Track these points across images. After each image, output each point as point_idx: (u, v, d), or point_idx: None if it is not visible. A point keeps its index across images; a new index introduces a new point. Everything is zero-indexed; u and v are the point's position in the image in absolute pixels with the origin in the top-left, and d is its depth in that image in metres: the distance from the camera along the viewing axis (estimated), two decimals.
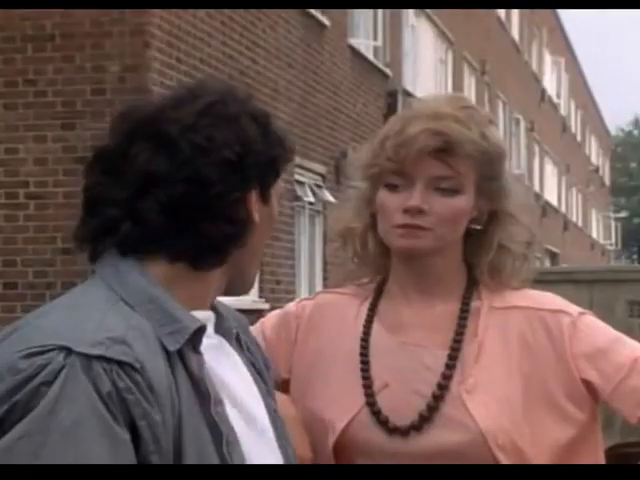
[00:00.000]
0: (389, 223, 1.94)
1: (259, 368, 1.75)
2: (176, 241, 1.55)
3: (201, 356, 1.55)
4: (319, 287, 13.47)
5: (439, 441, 1.89)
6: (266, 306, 11.23)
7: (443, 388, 1.91)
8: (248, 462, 1.56)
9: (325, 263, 13.56)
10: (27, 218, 9.27)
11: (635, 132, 64.95)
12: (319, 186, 13.06)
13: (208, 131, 1.55)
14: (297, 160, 11.56)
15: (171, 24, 9.52)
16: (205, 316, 1.61)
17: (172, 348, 1.51)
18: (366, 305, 2.03)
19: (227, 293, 1.67)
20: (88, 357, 1.43)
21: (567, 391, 1.92)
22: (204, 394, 1.53)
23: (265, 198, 1.63)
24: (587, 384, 1.92)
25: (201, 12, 10.07)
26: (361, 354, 1.97)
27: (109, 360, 1.44)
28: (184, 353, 1.53)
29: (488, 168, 1.96)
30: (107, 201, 1.56)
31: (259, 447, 1.62)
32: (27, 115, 9.33)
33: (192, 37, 9.93)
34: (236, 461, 1.53)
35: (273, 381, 1.80)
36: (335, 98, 14.03)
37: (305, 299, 2.13)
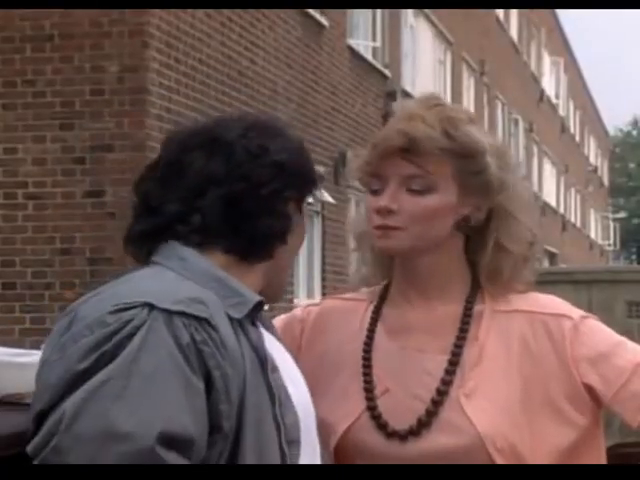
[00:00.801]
0: (370, 225, 1.97)
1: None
2: (233, 233, 1.72)
3: (258, 329, 1.73)
4: (317, 288, 13.48)
5: (437, 446, 1.89)
6: (265, 306, 11.23)
7: (442, 393, 1.91)
8: (300, 428, 1.71)
9: (324, 264, 13.56)
10: (26, 218, 9.27)
11: (634, 132, 64.97)
12: None
13: (259, 140, 1.74)
14: None
15: (170, 24, 9.52)
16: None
17: (237, 316, 1.68)
18: (371, 309, 2.04)
19: (262, 295, 1.82)
20: (170, 312, 1.59)
21: (569, 395, 1.91)
22: (262, 360, 1.69)
23: (300, 207, 1.83)
24: (588, 388, 1.91)
25: (200, 12, 10.06)
26: (363, 358, 1.99)
27: (188, 316, 1.59)
28: (244, 324, 1.70)
29: (464, 164, 1.95)
30: (167, 200, 1.73)
31: (306, 418, 1.76)
32: (26, 115, 9.33)
33: (191, 37, 9.93)
34: (288, 423, 1.68)
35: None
36: (334, 98, 14.04)
37: (311, 305, 2.16)
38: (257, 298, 1.73)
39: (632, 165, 61.72)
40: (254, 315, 1.73)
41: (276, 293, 1.87)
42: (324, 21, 13.65)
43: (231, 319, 1.67)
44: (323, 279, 13.58)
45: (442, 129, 1.95)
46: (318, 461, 1.80)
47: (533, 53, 31.79)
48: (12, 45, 9.38)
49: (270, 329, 1.85)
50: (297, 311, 2.15)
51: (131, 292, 1.63)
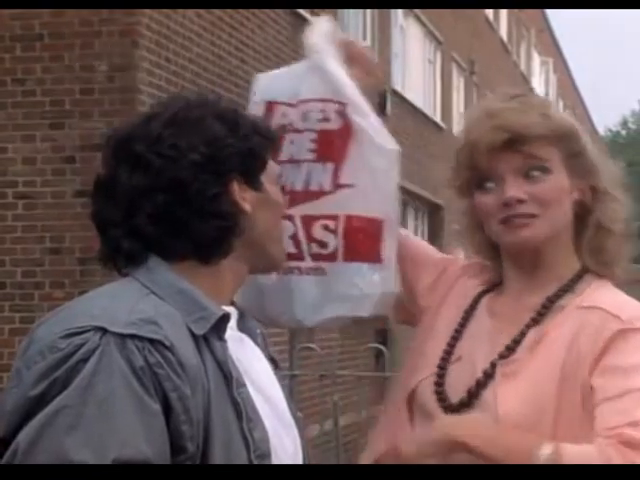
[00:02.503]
0: (494, 221, 1.97)
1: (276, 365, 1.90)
2: (174, 244, 1.70)
3: (225, 343, 1.69)
4: None
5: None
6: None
7: (488, 374, 1.94)
8: (269, 441, 1.69)
9: None
10: (15, 218, 9.25)
11: (623, 132, 65.11)
12: None
13: (172, 140, 1.69)
14: None
15: (160, 24, 9.51)
16: (228, 310, 1.74)
17: (199, 332, 1.65)
18: (481, 286, 2.09)
19: (259, 272, 1.87)
20: (122, 336, 1.57)
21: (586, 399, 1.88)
22: (227, 376, 1.66)
23: (255, 185, 1.76)
24: (591, 389, 1.88)
25: (190, 12, 10.06)
26: (458, 324, 2.05)
27: (141, 338, 1.58)
28: (209, 339, 1.66)
29: (567, 145, 1.97)
30: (110, 223, 1.72)
31: (279, 429, 1.75)
32: (15, 115, 9.31)
33: (181, 37, 9.92)
34: (257, 438, 1.66)
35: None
36: None
37: (463, 260, 2.22)
38: (221, 312, 1.69)
39: (622, 165, 61.75)
40: (220, 329, 1.69)
41: (274, 264, 1.86)
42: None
43: (194, 335, 1.64)
44: None
45: (538, 114, 1.95)
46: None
47: (523, 53, 31.83)
48: (2, 44, 9.35)
49: (254, 337, 1.83)
50: (459, 261, 2.20)
51: (84, 314, 1.61)
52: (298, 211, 2.12)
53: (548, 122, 1.95)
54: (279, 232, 1.84)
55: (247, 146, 1.74)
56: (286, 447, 1.75)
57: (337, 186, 2.11)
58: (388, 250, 2.11)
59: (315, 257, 2.13)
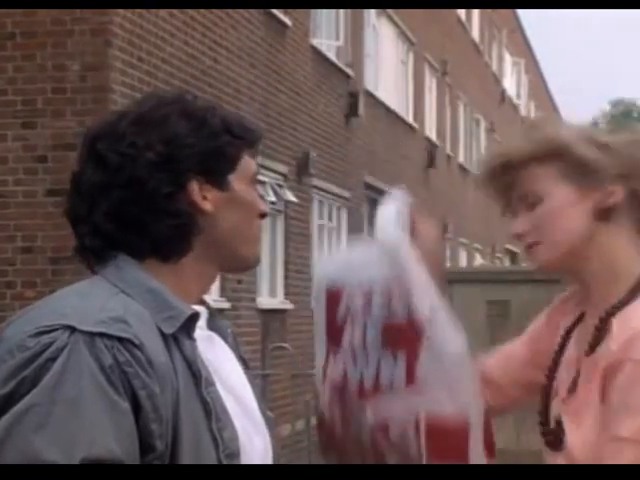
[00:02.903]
0: None
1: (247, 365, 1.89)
2: (131, 242, 1.71)
3: (194, 341, 1.69)
4: (280, 286, 13.49)
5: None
6: (227, 305, 11.24)
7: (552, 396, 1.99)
8: (239, 439, 1.69)
9: (286, 262, 13.57)
10: None
11: None
12: (280, 186, 13.07)
13: (132, 138, 1.71)
14: (259, 160, 11.54)
15: (133, 23, 9.50)
16: (198, 309, 1.74)
17: (168, 331, 1.65)
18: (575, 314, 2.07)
19: (229, 271, 1.86)
20: (91, 334, 1.57)
21: None
22: (196, 375, 1.66)
23: (220, 185, 1.75)
24: None
25: (163, 11, 10.04)
26: (552, 360, 2.04)
27: (110, 337, 1.57)
28: (179, 338, 1.67)
29: (561, 161, 1.93)
30: (78, 219, 1.74)
31: (249, 428, 1.75)
32: None
33: (154, 36, 9.91)
34: (226, 437, 1.66)
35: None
36: (297, 98, 14.06)
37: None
38: (190, 311, 1.69)
39: None
40: (189, 328, 1.69)
41: (245, 262, 1.83)
42: (287, 21, 13.66)
43: (164, 334, 1.65)
44: (286, 277, 13.59)
45: (522, 137, 1.97)
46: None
47: (494, 54, 31.96)
48: None
49: (224, 336, 1.83)
50: (542, 317, 2.19)
51: (53, 313, 1.61)
52: (370, 408, 1.92)
53: (532, 144, 1.94)
54: (250, 232, 1.82)
55: (212, 145, 1.74)
56: (256, 446, 1.76)
57: (411, 381, 1.91)
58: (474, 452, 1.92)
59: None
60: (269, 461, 1.80)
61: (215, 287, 11.22)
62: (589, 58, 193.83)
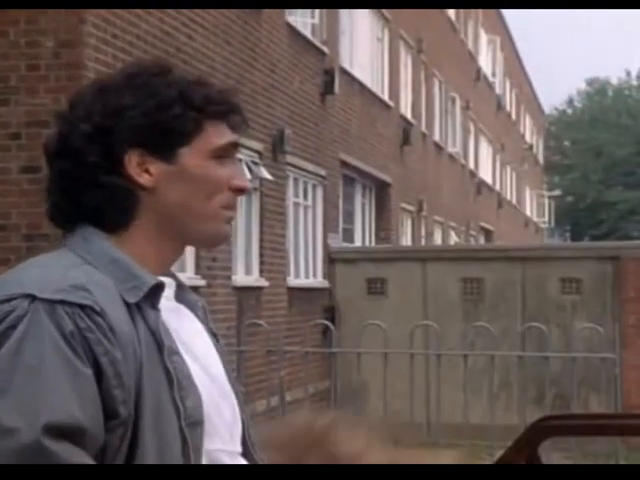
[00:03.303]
0: None
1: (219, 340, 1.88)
2: (69, 212, 1.72)
3: (158, 311, 1.69)
4: (255, 265, 13.50)
5: None
6: (202, 282, 11.23)
7: None
8: (203, 408, 1.69)
9: (261, 240, 13.57)
10: None
11: (569, 111, 65.57)
12: (256, 163, 13.06)
13: (81, 108, 1.71)
14: None
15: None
16: (165, 280, 1.74)
17: (132, 300, 1.66)
18: None
19: (194, 245, 1.85)
20: (51, 302, 1.58)
21: None
22: (160, 343, 1.66)
23: (167, 158, 1.72)
24: None
25: None
26: None
27: (71, 304, 1.58)
28: (143, 307, 1.67)
29: None
30: (48, 188, 1.75)
31: (216, 396, 1.75)
32: None
33: (128, 13, 9.86)
34: (189, 405, 1.66)
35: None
36: (272, 76, 14.02)
37: None
38: (154, 281, 1.69)
39: (567, 143, 62.33)
40: (153, 298, 1.69)
41: (205, 238, 1.80)
42: None
43: (128, 304, 1.65)
44: (261, 255, 13.59)
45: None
46: (234, 442, 1.79)
47: (470, 31, 31.94)
48: None
49: (194, 309, 1.83)
50: None
51: (14, 283, 1.62)
52: None
53: None
54: (205, 208, 1.76)
55: (158, 118, 1.71)
56: (224, 415, 1.76)
57: None
58: None
59: None
60: (238, 431, 1.81)
61: (190, 264, 11.21)
62: (566, 37, 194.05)
